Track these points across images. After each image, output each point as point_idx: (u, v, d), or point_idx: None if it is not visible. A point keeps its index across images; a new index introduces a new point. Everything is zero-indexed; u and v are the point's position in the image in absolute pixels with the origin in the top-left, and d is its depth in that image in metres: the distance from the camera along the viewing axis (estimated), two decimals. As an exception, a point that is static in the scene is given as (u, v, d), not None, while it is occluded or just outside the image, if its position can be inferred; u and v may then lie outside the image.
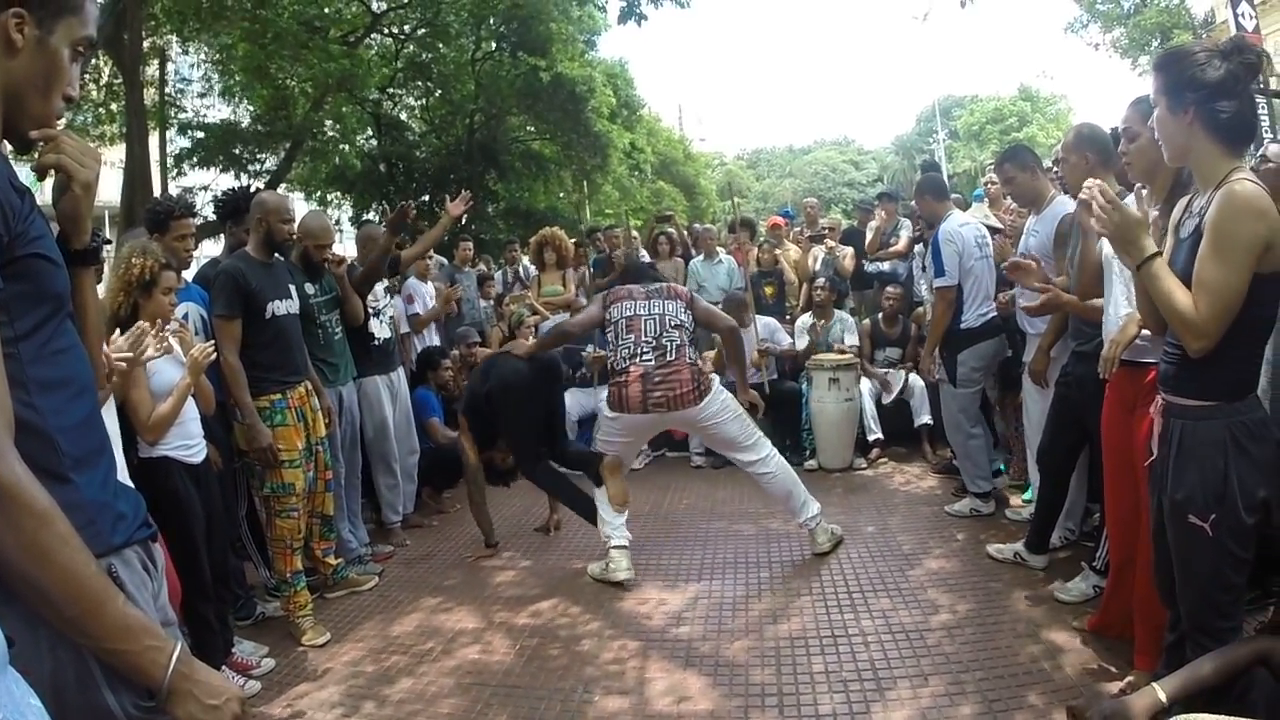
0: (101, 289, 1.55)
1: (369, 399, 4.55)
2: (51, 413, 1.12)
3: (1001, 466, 5.20)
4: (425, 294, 6.09)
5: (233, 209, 4.05)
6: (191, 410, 3.06)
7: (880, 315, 6.33)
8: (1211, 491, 1.96)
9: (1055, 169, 4.39)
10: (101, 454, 1.22)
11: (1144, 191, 2.10)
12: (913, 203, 5.18)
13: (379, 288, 4.70)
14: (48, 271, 1.12)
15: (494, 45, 14.81)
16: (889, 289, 6.33)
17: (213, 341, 3.16)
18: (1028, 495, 4.60)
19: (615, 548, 4.02)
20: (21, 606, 1.02)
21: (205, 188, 12.47)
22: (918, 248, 6.35)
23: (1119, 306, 2.74)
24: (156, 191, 10.15)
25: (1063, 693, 2.65)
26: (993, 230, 5.21)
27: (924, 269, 5.20)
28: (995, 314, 4.54)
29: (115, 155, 13.34)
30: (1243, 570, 2.03)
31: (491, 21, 14.47)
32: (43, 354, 1.12)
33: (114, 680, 1.10)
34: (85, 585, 1.02)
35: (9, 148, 1.16)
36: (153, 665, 1.07)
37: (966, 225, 4.63)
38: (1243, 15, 11.58)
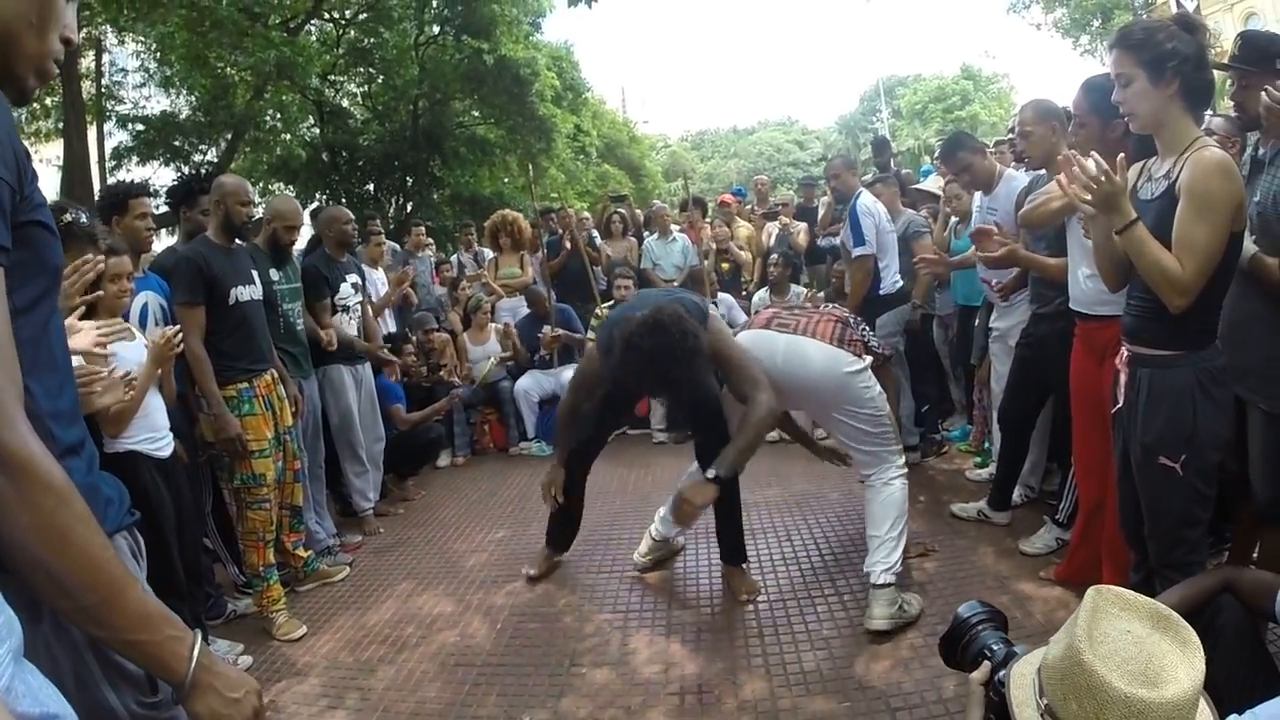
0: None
1: (334, 386, 4.48)
2: (44, 395, 1.06)
3: (955, 434, 5.34)
4: (377, 281, 5.98)
5: (184, 193, 3.96)
6: (157, 400, 2.98)
7: (832, 289, 6.42)
8: (1181, 434, 2.09)
9: (1009, 144, 4.53)
10: (85, 440, 1.18)
11: (1121, 159, 2.18)
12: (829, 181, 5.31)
13: (346, 285, 4.63)
14: (47, 242, 1.07)
15: (437, 29, 14.61)
16: (839, 264, 6.42)
17: (178, 326, 3.06)
18: (979, 460, 4.76)
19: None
20: (16, 599, 0.97)
21: (146, 182, 12.11)
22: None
23: (1081, 270, 2.85)
24: (96, 187, 9.81)
25: (1035, 638, 2.72)
26: (932, 197, 5.39)
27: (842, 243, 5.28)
28: (902, 282, 4.88)
29: (51, 152, 12.90)
30: (1208, 507, 2.18)
31: (435, 4, 14.28)
32: (39, 333, 1.07)
33: (114, 677, 1.06)
34: (104, 570, 0.94)
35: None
36: (173, 657, 1.00)
37: (877, 202, 4.86)
38: (1183, -1, 11.98)
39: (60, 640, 1.03)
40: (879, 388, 3.18)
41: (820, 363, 3.09)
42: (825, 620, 3.13)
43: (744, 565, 3.58)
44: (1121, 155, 2.11)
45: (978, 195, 4.19)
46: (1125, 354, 2.28)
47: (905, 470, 3.25)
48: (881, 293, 4.78)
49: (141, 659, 1.01)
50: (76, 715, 0.84)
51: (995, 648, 1.33)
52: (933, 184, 5.99)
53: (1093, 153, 2.15)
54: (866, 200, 4.78)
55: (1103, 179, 2.04)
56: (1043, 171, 3.43)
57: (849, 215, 4.76)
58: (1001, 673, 1.26)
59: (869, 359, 3.19)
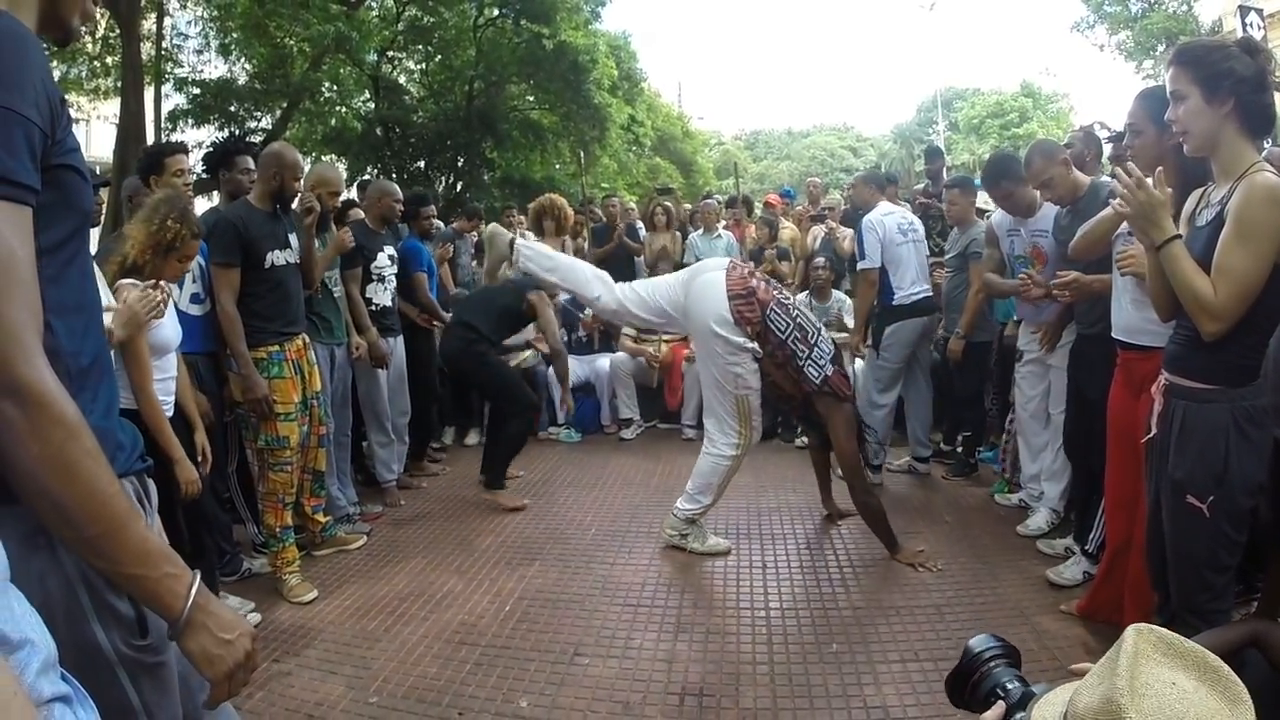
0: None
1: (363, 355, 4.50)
2: (65, 334, 1.08)
3: (988, 455, 5.21)
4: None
5: (220, 156, 3.98)
6: (175, 365, 3.00)
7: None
8: (1211, 473, 2.00)
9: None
10: (105, 382, 1.18)
11: (1160, 173, 2.10)
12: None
13: (383, 255, 4.68)
14: (78, 186, 1.08)
15: (497, 11, 14.64)
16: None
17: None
18: (998, 488, 4.64)
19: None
20: (13, 531, 0.98)
21: (200, 145, 12.29)
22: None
23: (1125, 295, 2.75)
24: (149, 147, 9.99)
25: (1050, 674, 2.65)
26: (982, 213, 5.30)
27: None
28: (928, 294, 4.93)
29: (109, 110, 13.18)
30: (1236, 553, 2.08)
31: (496, -13, 14.33)
32: (64, 273, 1.08)
33: (105, 616, 1.07)
34: (108, 505, 0.97)
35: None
36: (169, 594, 1.02)
37: (890, 215, 4.98)
38: (1251, 25, 11.62)
39: (55, 573, 1.04)
40: (749, 371, 3.68)
41: (705, 305, 3.64)
42: (838, 634, 3.06)
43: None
44: (1160, 169, 2.03)
45: (997, 216, 4.10)
46: (1163, 382, 2.19)
47: (735, 455, 3.82)
48: (894, 303, 4.84)
49: (139, 593, 1.04)
50: (55, 647, 0.83)
51: (1010, 686, 1.20)
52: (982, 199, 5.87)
53: (1128, 164, 2.08)
54: (875, 215, 4.93)
55: (1138, 190, 1.98)
56: None
57: (856, 229, 4.91)
58: (1019, 716, 1.15)
59: (751, 342, 3.63)
